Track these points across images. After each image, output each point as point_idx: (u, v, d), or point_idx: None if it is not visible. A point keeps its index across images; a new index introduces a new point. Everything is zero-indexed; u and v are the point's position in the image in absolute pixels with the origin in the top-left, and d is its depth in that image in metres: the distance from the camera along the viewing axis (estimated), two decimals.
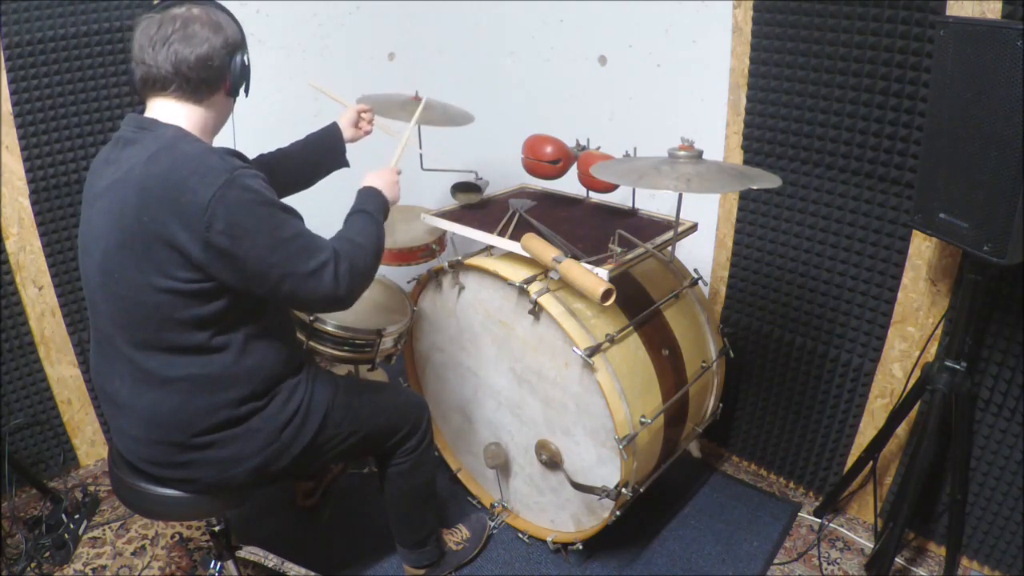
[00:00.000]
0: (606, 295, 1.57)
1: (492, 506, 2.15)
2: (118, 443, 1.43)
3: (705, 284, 2.10)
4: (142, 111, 1.34)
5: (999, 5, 1.53)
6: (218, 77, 1.32)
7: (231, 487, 1.42)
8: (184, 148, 1.24)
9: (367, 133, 1.90)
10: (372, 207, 1.54)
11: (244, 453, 1.39)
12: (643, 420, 1.71)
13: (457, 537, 1.98)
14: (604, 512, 1.81)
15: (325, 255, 1.31)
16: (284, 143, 2.68)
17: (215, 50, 1.29)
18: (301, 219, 1.34)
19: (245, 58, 1.37)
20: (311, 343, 1.84)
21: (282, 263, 1.26)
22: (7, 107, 1.95)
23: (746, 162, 2.05)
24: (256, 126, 2.58)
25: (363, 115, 1.88)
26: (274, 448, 1.43)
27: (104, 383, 1.40)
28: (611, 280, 1.62)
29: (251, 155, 2.45)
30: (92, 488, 2.22)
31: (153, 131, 1.28)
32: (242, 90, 1.41)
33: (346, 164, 1.87)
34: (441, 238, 2.26)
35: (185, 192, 1.19)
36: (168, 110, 1.31)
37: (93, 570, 1.94)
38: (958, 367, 1.66)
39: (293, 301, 1.35)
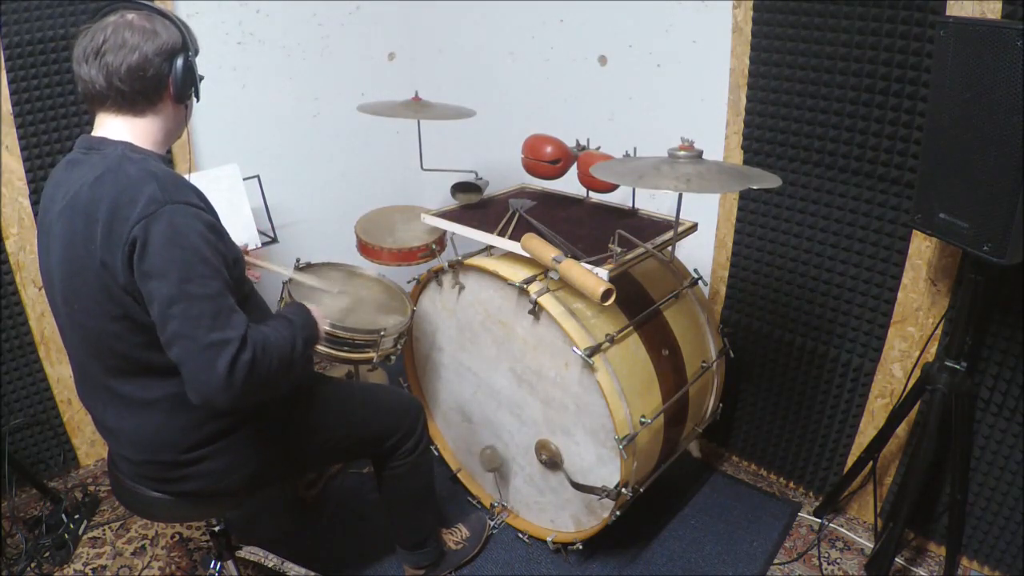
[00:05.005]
0: (606, 295, 1.57)
1: (492, 506, 2.15)
2: (115, 461, 1.43)
3: (705, 284, 2.10)
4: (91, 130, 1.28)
5: (999, 5, 1.53)
6: (156, 86, 1.24)
7: (229, 493, 1.42)
8: (128, 170, 1.17)
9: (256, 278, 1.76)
10: (299, 320, 1.36)
11: (238, 461, 1.39)
12: (643, 420, 1.71)
13: (457, 537, 1.98)
14: (604, 512, 1.81)
15: (232, 334, 1.13)
16: (284, 143, 2.69)
17: (147, 59, 1.20)
18: (230, 286, 1.20)
19: (188, 62, 1.26)
20: None
21: (179, 320, 1.11)
22: (7, 107, 1.95)
23: (746, 162, 2.05)
24: (256, 126, 2.59)
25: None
26: (268, 454, 1.42)
27: (91, 408, 1.39)
28: (611, 280, 1.62)
29: (254, 152, 2.48)
30: (92, 488, 2.22)
31: (101, 151, 1.22)
32: (193, 95, 1.31)
33: None
34: (441, 238, 2.26)
35: (118, 218, 1.14)
36: (114, 126, 1.25)
37: (93, 570, 1.94)
38: (958, 367, 1.66)
39: (180, 371, 1.14)
